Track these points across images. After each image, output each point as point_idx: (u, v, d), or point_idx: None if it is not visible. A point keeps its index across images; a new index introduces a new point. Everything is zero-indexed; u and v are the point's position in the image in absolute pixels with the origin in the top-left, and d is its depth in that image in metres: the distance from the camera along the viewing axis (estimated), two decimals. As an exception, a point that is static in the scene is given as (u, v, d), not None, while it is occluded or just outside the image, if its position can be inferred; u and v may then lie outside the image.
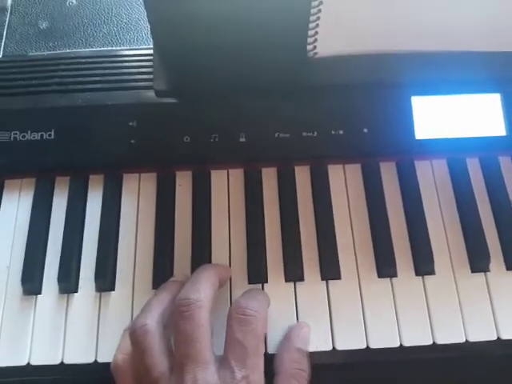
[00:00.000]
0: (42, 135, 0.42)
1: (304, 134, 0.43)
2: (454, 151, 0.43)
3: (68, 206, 0.42)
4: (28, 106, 0.43)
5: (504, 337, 0.37)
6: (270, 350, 0.36)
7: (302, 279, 0.39)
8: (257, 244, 0.40)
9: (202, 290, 0.34)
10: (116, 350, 0.36)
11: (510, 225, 0.41)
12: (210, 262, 0.40)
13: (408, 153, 0.43)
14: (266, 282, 0.39)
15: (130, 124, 0.42)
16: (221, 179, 0.43)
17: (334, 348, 0.37)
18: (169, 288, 0.37)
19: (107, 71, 0.45)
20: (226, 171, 0.43)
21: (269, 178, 0.43)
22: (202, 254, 0.40)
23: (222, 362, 0.33)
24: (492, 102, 0.44)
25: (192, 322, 0.33)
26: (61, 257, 0.40)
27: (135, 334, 0.33)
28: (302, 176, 0.43)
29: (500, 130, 0.43)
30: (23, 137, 0.42)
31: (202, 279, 0.35)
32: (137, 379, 0.34)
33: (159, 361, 0.33)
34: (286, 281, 0.39)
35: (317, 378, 0.36)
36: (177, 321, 0.33)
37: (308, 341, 0.37)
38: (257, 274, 0.39)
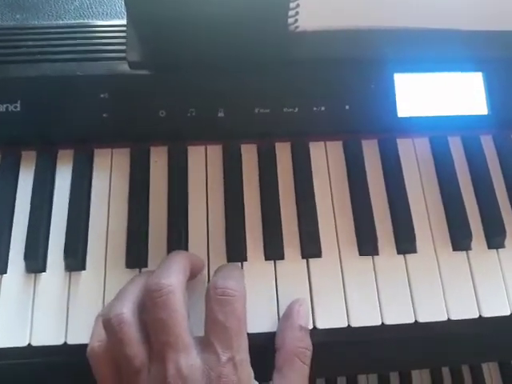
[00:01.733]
0: (7, 107, 0.40)
1: (285, 109, 0.41)
2: (436, 129, 0.43)
3: (35, 182, 0.40)
4: (-8, 76, 0.41)
5: (485, 315, 0.37)
6: (251, 330, 0.35)
7: (282, 257, 0.38)
8: (235, 222, 0.39)
9: (173, 274, 0.33)
10: (91, 337, 0.34)
11: (492, 203, 0.41)
12: (186, 240, 0.39)
13: (390, 130, 0.43)
14: (246, 260, 0.38)
15: (102, 96, 0.40)
16: (198, 155, 0.42)
17: (314, 327, 0.36)
18: (143, 275, 0.36)
19: (78, 41, 0.43)
20: (203, 147, 0.42)
21: (248, 155, 0.42)
22: (178, 233, 0.39)
23: (205, 345, 0.32)
24: (474, 80, 0.44)
25: (166, 308, 0.31)
26: (27, 234, 0.38)
27: (110, 324, 0.32)
28: (283, 153, 0.42)
29: (482, 109, 0.43)
30: (-13, 108, 0.40)
31: (172, 263, 0.34)
32: (115, 366, 0.33)
33: (138, 350, 0.32)
34: (266, 259, 0.38)
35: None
36: (149, 308, 0.32)
37: (309, 317, 0.36)
38: (236, 252, 0.38)
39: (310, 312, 0.37)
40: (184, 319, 0.32)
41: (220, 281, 0.33)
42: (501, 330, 0.37)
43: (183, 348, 0.31)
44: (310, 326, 0.36)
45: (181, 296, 0.32)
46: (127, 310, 0.32)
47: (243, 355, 0.32)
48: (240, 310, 0.33)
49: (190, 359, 0.31)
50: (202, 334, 0.33)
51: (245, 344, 0.32)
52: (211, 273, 0.38)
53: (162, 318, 0.31)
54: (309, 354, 0.34)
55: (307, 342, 0.35)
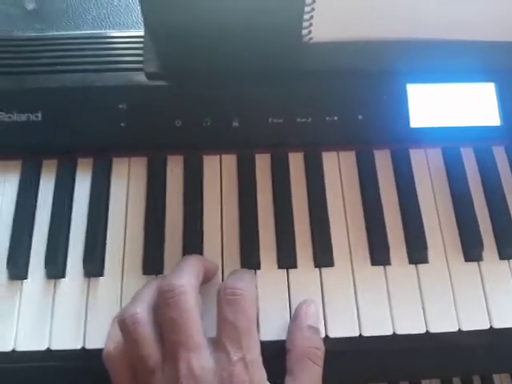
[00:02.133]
0: (28, 116, 0.41)
1: (298, 119, 0.42)
2: (448, 140, 0.43)
3: (55, 190, 0.41)
4: (14, 87, 0.42)
5: (496, 326, 0.37)
6: (264, 337, 0.36)
7: (295, 266, 0.39)
8: (249, 230, 0.40)
9: (185, 276, 0.33)
10: (107, 339, 0.35)
11: (504, 214, 0.41)
12: (201, 248, 0.40)
13: (402, 141, 0.43)
14: (259, 268, 0.39)
15: (120, 107, 0.41)
16: (213, 164, 0.42)
17: (326, 336, 0.37)
18: (158, 279, 0.37)
19: (97, 52, 0.44)
20: (218, 156, 0.43)
21: (262, 164, 0.42)
22: (193, 241, 0.40)
23: (216, 344, 0.32)
24: (486, 91, 0.44)
25: (177, 308, 0.32)
26: (48, 241, 0.39)
27: (125, 324, 0.33)
28: (296, 162, 0.42)
29: (494, 120, 0.43)
30: (9, 118, 0.41)
31: (185, 266, 0.35)
32: (131, 368, 0.33)
33: (152, 350, 0.32)
34: (279, 267, 0.39)
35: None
36: (162, 308, 0.33)
37: (317, 317, 0.36)
38: (249, 260, 0.39)
39: (321, 313, 0.37)
40: (196, 320, 0.32)
41: (229, 282, 0.34)
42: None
43: (195, 348, 0.31)
44: (322, 332, 0.36)
45: (192, 297, 0.33)
46: (141, 311, 0.33)
47: (254, 355, 0.32)
48: (249, 309, 0.33)
49: (201, 359, 0.31)
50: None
51: (255, 344, 0.33)
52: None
53: (173, 318, 0.32)
54: (320, 353, 0.34)
55: (317, 342, 0.35)
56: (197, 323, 0.32)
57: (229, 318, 0.32)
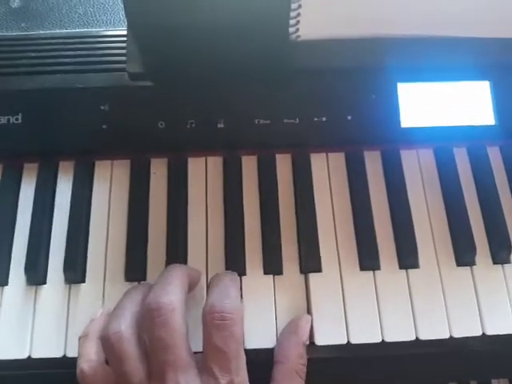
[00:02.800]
0: (8, 119, 0.40)
1: (285, 120, 0.41)
2: (440, 140, 0.42)
3: (36, 194, 0.40)
4: (-6, 89, 0.41)
5: (489, 333, 0.36)
6: (247, 346, 0.35)
7: (280, 272, 0.38)
8: (235, 235, 0.39)
9: (172, 292, 0.32)
10: (78, 358, 0.34)
11: (498, 218, 0.39)
12: (185, 253, 0.39)
13: (393, 141, 0.42)
14: (245, 274, 0.38)
15: (102, 108, 0.40)
16: (198, 167, 0.41)
17: (313, 343, 0.36)
18: (139, 289, 0.35)
19: (78, 52, 0.43)
20: (203, 158, 0.42)
21: (248, 167, 0.41)
22: (177, 246, 0.39)
23: (204, 368, 0.32)
24: (481, 89, 0.43)
25: (166, 327, 0.31)
26: (28, 247, 0.38)
27: (109, 341, 0.32)
28: (283, 164, 0.41)
29: (489, 119, 0.42)
30: (-12, 121, 0.40)
31: (171, 279, 0.34)
32: None
33: (137, 367, 0.31)
34: (265, 273, 0.38)
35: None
36: (150, 327, 0.32)
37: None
38: (235, 265, 0.38)
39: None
40: (184, 338, 0.32)
41: (217, 304, 0.32)
42: (505, 348, 0.36)
43: (183, 368, 0.31)
44: (308, 342, 0.35)
45: (180, 315, 0.32)
46: (125, 328, 0.32)
47: (242, 376, 0.32)
48: (238, 333, 0.32)
49: (189, 379, 0.31)
50: (200, 348, 0.33)
51: (243, 365, 0.32)
52: (210, 286, 0.37)
53: (162, 337, 0.31)
54: (305, 370, 0.34)
55: (305, 359, 0.35)
56: (185, 342, 0.32)
57: (217, 343, 0.31)
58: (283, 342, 0.35)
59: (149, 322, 0.32)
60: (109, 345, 0.32)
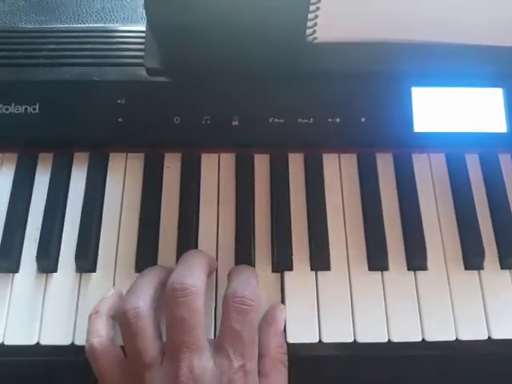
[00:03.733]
0: (26, 109, 0.41)
1: (299, 120, 0.41)
2: (453, 146, 0.42)
3: (50, 184, 0.40)
4: (12, 78, 0.41)
5: (495, 336, 0.36)
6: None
7: (290, 269, 0.38)
8: (245, 232, 0.39)
9: (197, 276, 0.33)
10: (88, 334, 0.34)
11: (507, 223, 0.40)
12: (196, 247, 0.39)
13: (406, 145, 0.42)
14: (254, 270, 0.38)
15: (119, 101, 0.41)
16: (211, 163, 0.42)
17: (320, 340, 0.36)
18: (157, 270, 0.36)
19: (97, 46, 0.43)
20: (216, 155, 0.42)
21: (261, 165, 0.42)
22: (188, 240, 0.39)
23: (219, 349, 0.32)
24: (494, 96, 0.43)
25: (188, 308, 0.32)
26: (40, 235, 0.38)
27: (126, 317, 0.32)
28: (296, 164, 0.42)
29: (501, 127, 0.42)
30: (6, 109, 0.41)
31: (196, 265, 0.34)
32: (119, 362, 0.33)
33: (151, 345, 0.32)
34: (274, 271, 0.38)
35: (302, 370, 0.35)
36: (171, 306, 0.32)
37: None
38: (244, 262, 0.38)
39: (315, 317, 0.36)
40: (203, 322, 0.32)
41: (239, 289, 0.33)
42: (510, 352, 0.36)
43: (198, 349, 0.32)
44: (296, 340, 0.36)
45: (202, 299, 0.33)
46: (143, 304, 0.33)
47: (253, 364, 0.33)
48: (256, 320, 0.33)
49: (203, 361, 0.31)
50: (210, 335, 0.34)
51: (256, 354, 0.33)
52: (219, 280, 0.38)
53: (184, 318, 0.32)
54: (286, 357, 0.35)
55: (285, 347, 0.35)
56: (203, 325, 0.32)
57: (236, 327, 0.32)
58: (262, 333, 0.35)
59: (171, 301, 0.32)
60: (125, 320, 0.32)
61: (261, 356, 0.34)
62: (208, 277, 0.36)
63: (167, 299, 0.33)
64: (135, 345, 0.32)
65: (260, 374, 0.34)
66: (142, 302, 0.33)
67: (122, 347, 0.34)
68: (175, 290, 0.32)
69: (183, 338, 0.32)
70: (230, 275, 0.36)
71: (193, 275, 0.33)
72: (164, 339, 0.33)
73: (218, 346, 0.32)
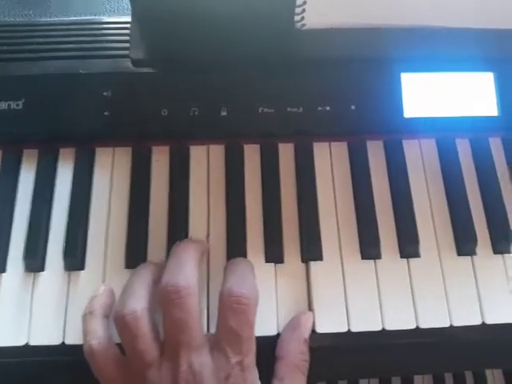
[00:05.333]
0: (9, 104, 0.40)
1: (289, 109, 0.41)
2: (443, 131, 0.42)
3: (36, 180, 0.40)
4: (-5, 74, 0.41)
5: (488, 321, 0.36)
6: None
7: (282, 260, 0.38)
8: (236, 224, 0.39)
9: (190, 275, 0.33)
10: (85, 335, 0.34)
11: (498, 208, 0.40)
12: (186, 241, 0.38)
13: (396, 131, 0.42)
14: (245, 262, 0.38)
15: (105, 94, 0.40)
16: (200, 155, 0.41)
17: (314, 331, 0.36)
18: (148, 268, 0.36)
19: (82, 39, 0.42)
20: (205, 147, 0.41)
21: (251, 155, 0.41)
22: (178, 234, 0.38)
23: (216, 346, 0.33)
24: (484, 80, 0.42)
25: (184, 310, 0.32)
26: (27, 233, 0.38)
27: (124, 321, 0.32)
28: (286, 153, 0.41)
29: (492, 111, 0.42)
30: (-11, 106, 0.40)
31: (186, 260, 0.34)
32: (119, 362, 0.33)
33: (150, 346, 0.32)
34: (267, 261, 0.38)
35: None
36: (167, 308, 0.32)
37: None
38: (236, 254, 0.38)
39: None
40: (199, 319, 0.33)
41: (235, 288, 0.33)
42: (504, 337, 0.36)
43: (197, 347, 0.32)
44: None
45: (196, 297, 0.33)
46: (140, 307, 0.33)
47: (251, 358, 0.33)
48: (252, 318, 0.33)
49: (201, 357, 0.32)
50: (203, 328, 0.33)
51: (253, 346, 0.33)
52: (211, 273, 0.37)
53: (180, 318, 0.32)
54: (307, 366, 0.35)
55: (308, 355, 0.35)
56: (199, 323, 0.33)
57: (233, 326, 0.32)
58: (284, 337, 0.35)
59: (166, 303, 0.32)
60: (124, 324, 0.32)
61: (278, 358, 0.34)
62: (201, 260, 0.36)
63: (162, 301, 0.33)
64: (135, 347, 0.32)
65: (275, 377, 0.34)
66: (139, 304, 0.33)
67: (118, 344, 0.34)
68: (169, 293, 0.32)
69: (181, 338, 0.32)
70: (226, 268, 0.36)
71: (185, 276, 0.33)
72: (161, 337, 0.33)
73: (216, 343, 0.33)
